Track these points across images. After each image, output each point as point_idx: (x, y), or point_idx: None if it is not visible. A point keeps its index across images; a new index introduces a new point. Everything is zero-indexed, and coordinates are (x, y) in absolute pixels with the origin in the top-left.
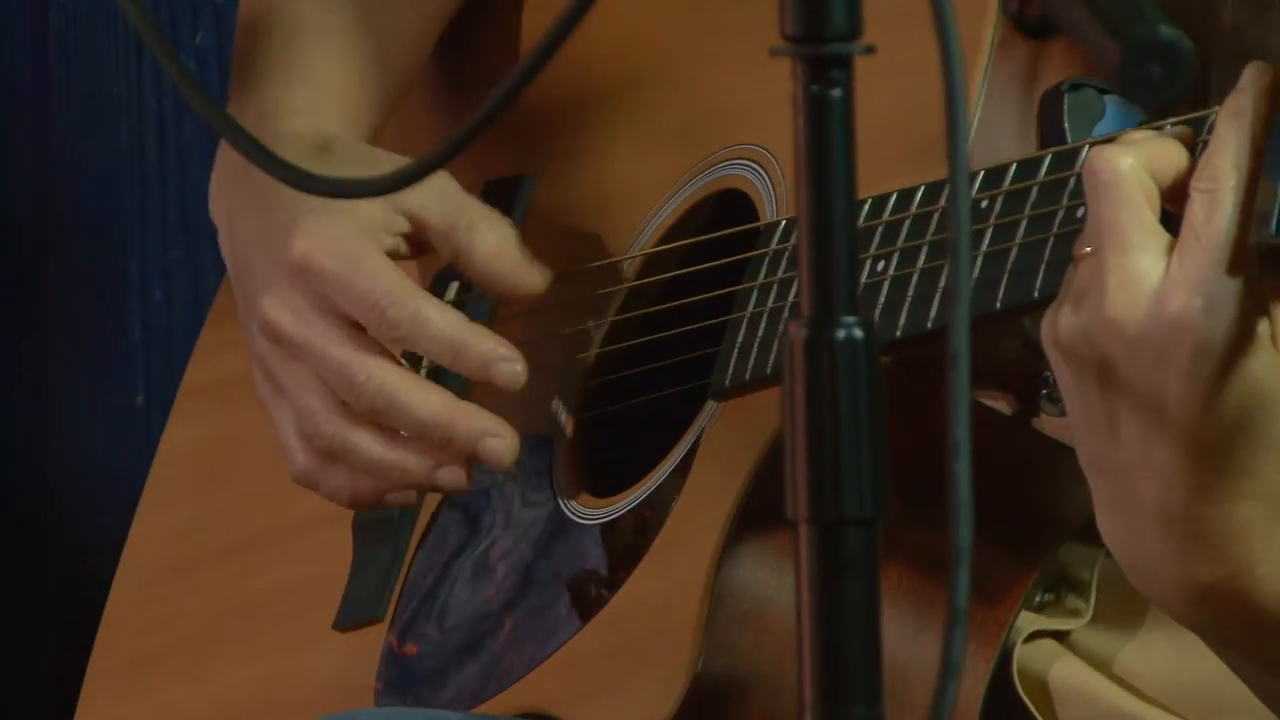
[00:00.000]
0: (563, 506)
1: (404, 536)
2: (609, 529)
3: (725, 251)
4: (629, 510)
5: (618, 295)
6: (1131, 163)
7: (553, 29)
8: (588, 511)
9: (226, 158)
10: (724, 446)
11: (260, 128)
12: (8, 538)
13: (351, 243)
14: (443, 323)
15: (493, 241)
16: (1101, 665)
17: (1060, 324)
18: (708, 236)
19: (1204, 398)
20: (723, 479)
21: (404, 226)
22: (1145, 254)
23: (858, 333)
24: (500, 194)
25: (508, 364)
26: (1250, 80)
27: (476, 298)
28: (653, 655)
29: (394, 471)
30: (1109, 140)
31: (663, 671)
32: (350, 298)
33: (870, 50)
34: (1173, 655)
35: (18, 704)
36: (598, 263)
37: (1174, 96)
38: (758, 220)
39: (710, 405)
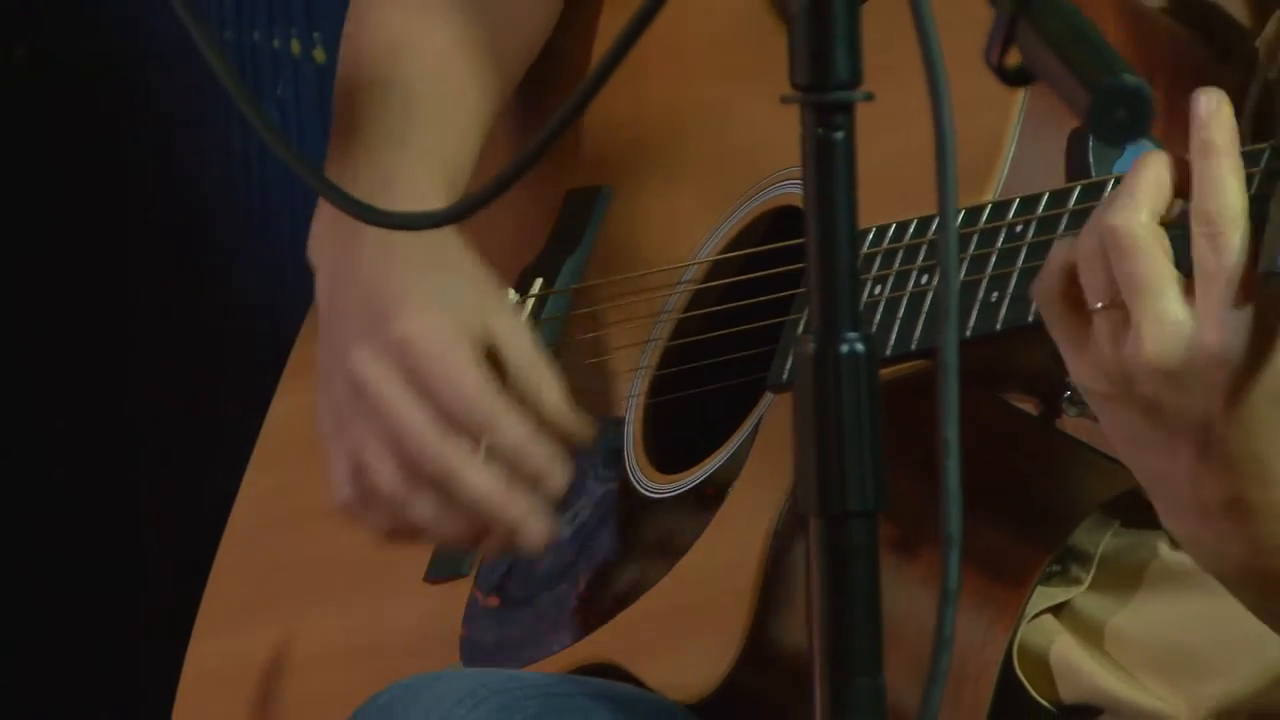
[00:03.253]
0: (633, 480)
1: None
2: (675, 503)
3: (783, 260)
4: (693, 487)
5: (685, 295)
6: (1145, 220)
7: (601, 63)
8: (655, 486)
9: (330, 208)
10: (779, 434)
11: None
12: (115, 523)
13: (450, 336)
14: (511, 433)
15: (555, 400)
16: (1095, 629)
17: (1092, 373)
18: (769, 247)
19: (1246, 413)
20: (778, 464)
21: (487, 342)
22: (1172, 299)
23: (860, 346)
24: (581, 202)
25: (558, 475)
26: (1204, 111)
27: (558, 293)
28: (712, 619)
29: (433, 530)
30: (1112, 180)
31: (721, 634)
32: (440, 384)
33: (869, 98)
34: (1163, 621)
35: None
36: (667, 266)
37: (1137, 135)
38: None
39: (768, 397)
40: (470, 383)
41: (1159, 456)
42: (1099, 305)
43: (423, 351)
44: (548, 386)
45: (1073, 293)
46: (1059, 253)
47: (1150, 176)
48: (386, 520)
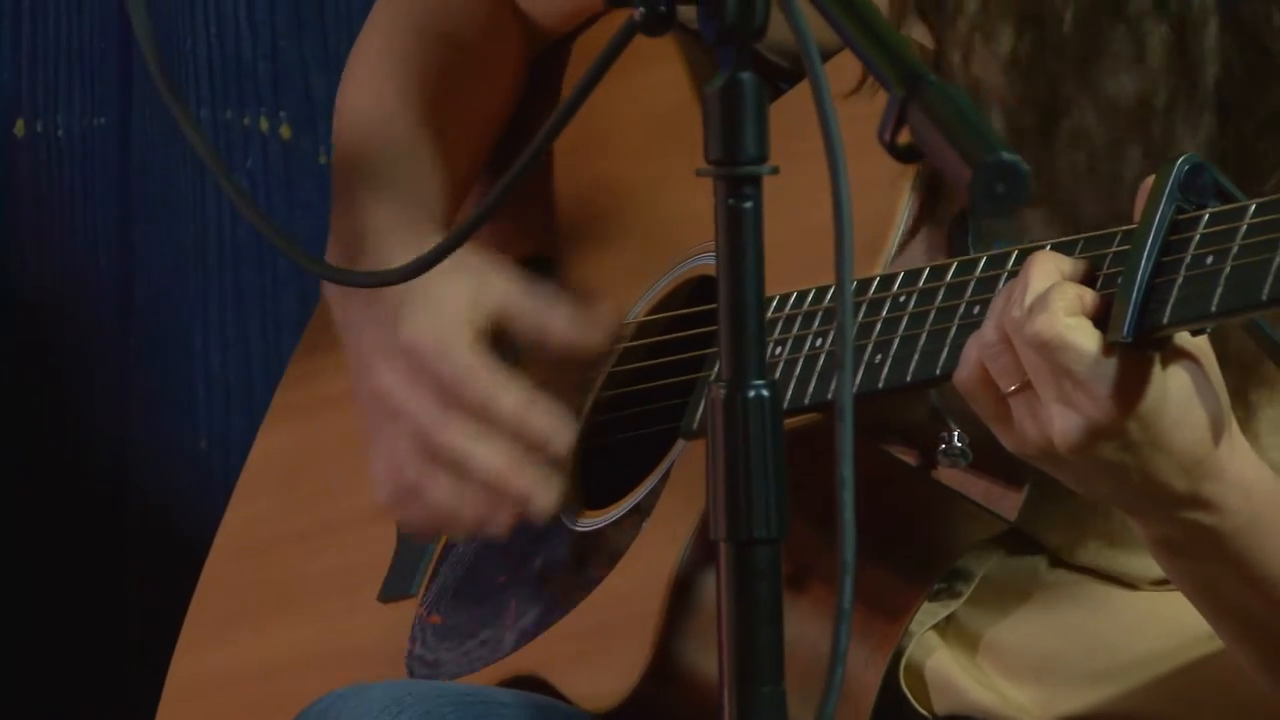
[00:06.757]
0: (562, 515)
1: None
2: (597, 535)
3: (699, 323)
4: (613, 521)
5: (614, 353)
6: (1069, 322)
7: (534, 143)
8: (581, 520)
9: (335, 250)
10: (689, 476)
11: (361, 241)
12: (98, 552)
13: (444, 331)
14: (507, 404)
15: (561, 318)
16: (972, 640)
17: (1020, 446)
18: (685, 311)
19: (1163, 451)
20: (687, 501)
21: (483, 321)
22: (1103, 362)
23: (765, 393)
24: (525, 268)
25: (560, 438)
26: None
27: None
28: (623, 636)
29: (454, 511)
30: (984, 259)
31: (631, 650)
32: (440, 377)
33: (775, 171)
34: (1037, 632)
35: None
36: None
37: (1014, 206)
38: None
39: (680, 443)
40: (462, 365)
41: (1105, 490)
42: (1012, 388)
43: (422, 350)
44: (550, 326)
45: (990, 379)
46: (972, 346)
47: (1049, 277)
48: (417, 511)
